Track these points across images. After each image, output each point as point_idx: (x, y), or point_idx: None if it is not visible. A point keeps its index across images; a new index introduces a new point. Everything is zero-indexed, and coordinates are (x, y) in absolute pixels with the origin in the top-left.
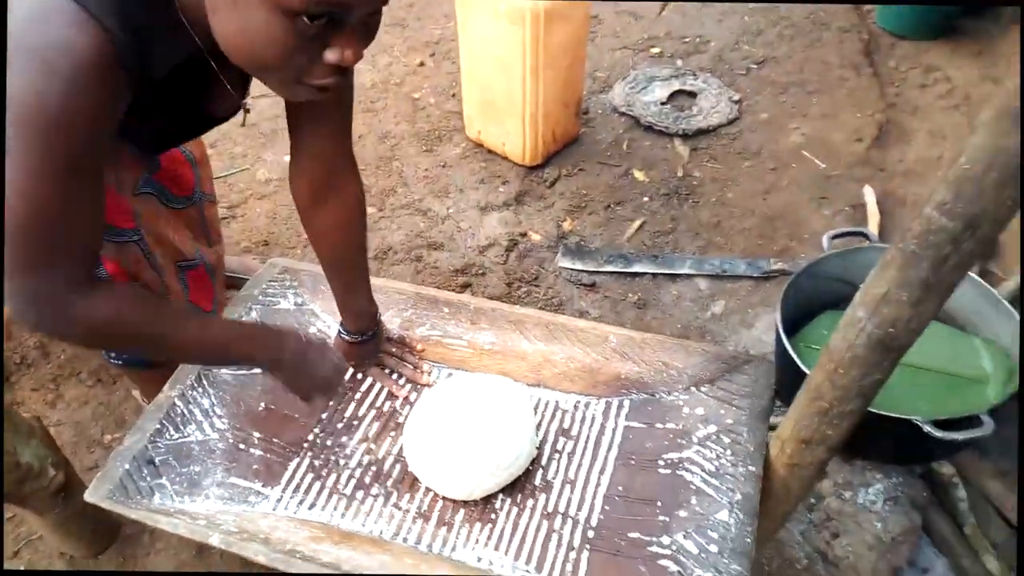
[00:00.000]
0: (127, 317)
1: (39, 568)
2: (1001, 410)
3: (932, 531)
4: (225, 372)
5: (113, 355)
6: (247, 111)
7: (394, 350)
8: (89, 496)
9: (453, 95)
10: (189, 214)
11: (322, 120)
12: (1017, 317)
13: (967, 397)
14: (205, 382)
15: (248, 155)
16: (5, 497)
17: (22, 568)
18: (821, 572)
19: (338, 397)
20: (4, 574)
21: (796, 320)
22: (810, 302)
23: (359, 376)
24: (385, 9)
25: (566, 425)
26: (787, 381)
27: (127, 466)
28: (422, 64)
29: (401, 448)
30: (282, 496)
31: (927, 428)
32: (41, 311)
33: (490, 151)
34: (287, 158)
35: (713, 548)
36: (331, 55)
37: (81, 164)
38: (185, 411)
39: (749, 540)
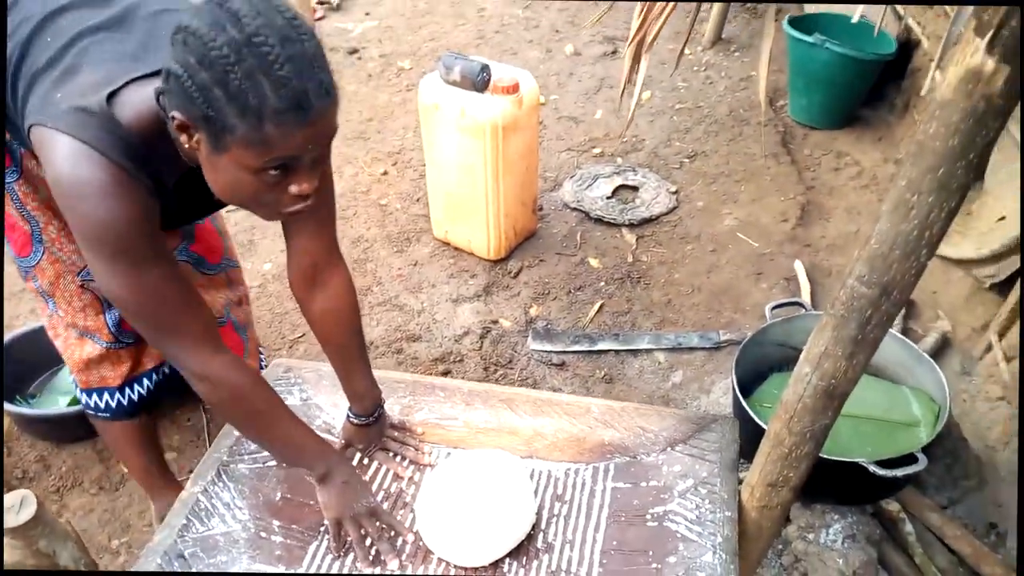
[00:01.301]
0: (246, 390)
1: None
2: (932, 448)
3: (887, 564)
4: (242, 466)
5: (92, 406)
6: None
7: (396, 434)
8: None
9: (418, 200)
10: (218, 279)
11: (307, 222)
12: (937, 368)
13: (903, 439)
14: (225, 477)
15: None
16: None
17: None
18: None
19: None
20: (4, 574)
21: (748, 383)
22: (759, 366)
23: (365, 461)
24: (347, 123)
25: (560, 491)
26: (747, 437)
27: (159, 560)
28: (386, 173)
29: (412, 523)
30: None
31: (872, 468)
32: (188, 374)
33: (457, 248)
34: (267, 266)
35: None
36: (293, 188)
37: (142, 256)
38: (208, 505)
39: None
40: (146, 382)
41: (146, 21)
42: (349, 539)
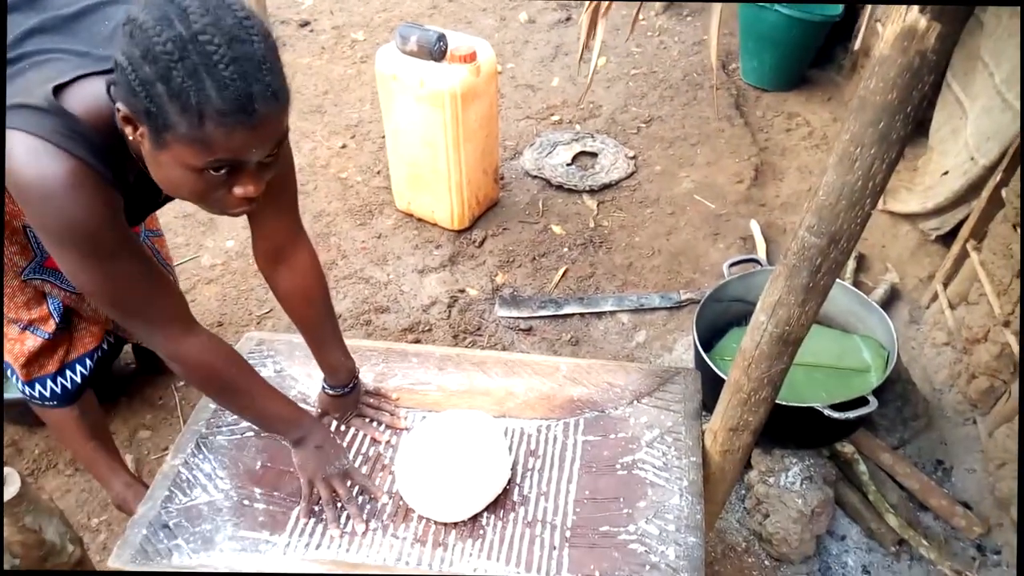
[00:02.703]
0: (220, 367)
1: None
2: (882, 393)
3: (843, 502)
4: (221, 437)
5: (37, 396)
6: None
7: (372, 401)
8: (113, 562)
9: (378, 172)
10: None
11: (268, 204)
12: (886, 317)
13: (855, 384)
14: (204, 449)
15: (190, 244)
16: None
17: None
18: (758, 550)
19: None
20: (4, 574)
21: (708, 338)
22: (718, 322)
23: (342, 428)
24: (302, 97)
25: (533, 447)
26: (709, 391)
27: (144, 531)
28: (344, 146)
29: (391, 484)
30: (289, 541)
31: (827, 412)
32: (163, 354)
33: (420, 219)
34: (229, 243)
35: (671, 527)
36: (238, 190)
37: (111, 248)
38: (190, 477)
39: (699, 516)
40: (79, 368)
41: (85, 17)
42: (322, 500)
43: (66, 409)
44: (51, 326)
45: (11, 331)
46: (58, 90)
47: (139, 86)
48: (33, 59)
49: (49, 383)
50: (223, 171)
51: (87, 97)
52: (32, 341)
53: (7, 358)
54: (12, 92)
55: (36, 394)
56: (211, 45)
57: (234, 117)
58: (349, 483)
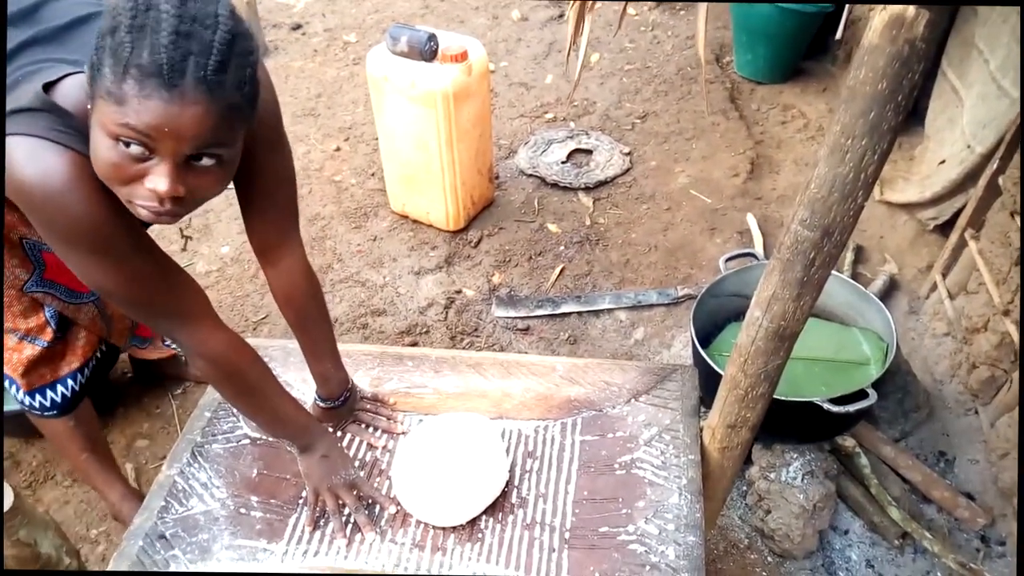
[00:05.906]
0: (245, 366)
1: None
2: (882, 385)
3: (845, 496)
4: (216, 446)
5: (37, 407)
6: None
7: (368, 406)
8: None
9: (373, 174)
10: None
11: (260, 204)
12: (884, 308)
13: (854, 377)
14: (200, 458)
15: (185, 250)
16: None
17: None
18: (761, 547)
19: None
20: (4, 574)
21: (706, 334)
22: (715, 317)
23: (338, 434)
24: (295, 100)
25: (530, 448)
26: (707, 386)
27: (141, 543)
28: (338, 149)
29: (388, 489)
30: (287, 549)
31: (826, 406)
32: (188, 352)
33: (416, 221)
34: (224, 249)
35: (670, 527)
36: (148, 182)
37: (121, 245)
38: (185, 486)
39: (699, 515)
40: (70, 383)
41: (76, 28)
42: (327, 509)
43: (62, 419)
44: (48, 335)
45: (9, 340)
46: (47, 88)
47: (97, 39)
48: (26, 70)
49: (49, 393)
50: (135, 149)
51: (76, 89)
52: (30, 350)
53: (6, 369)
54: (7, 103)
55: (36, 404)
56: (166, 14)
57: (153, 80)
58: (356, 493)
